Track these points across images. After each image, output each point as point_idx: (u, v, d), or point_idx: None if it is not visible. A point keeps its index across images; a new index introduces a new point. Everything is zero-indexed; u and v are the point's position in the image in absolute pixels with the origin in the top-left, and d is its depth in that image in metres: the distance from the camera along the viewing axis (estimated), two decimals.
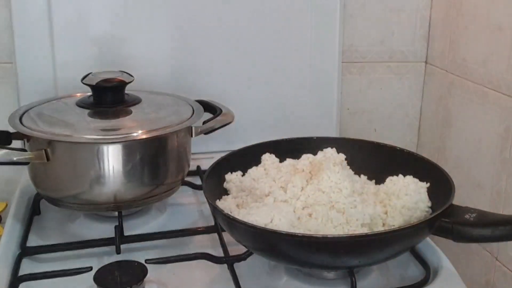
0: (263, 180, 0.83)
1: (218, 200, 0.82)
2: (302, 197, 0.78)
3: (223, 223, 0.76)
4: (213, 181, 0.83)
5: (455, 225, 0.70)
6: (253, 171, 0.86)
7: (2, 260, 0.78)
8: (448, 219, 0.71)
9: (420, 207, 0.78)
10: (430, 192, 0.80)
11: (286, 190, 0.80)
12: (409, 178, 0.82)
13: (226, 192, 0.86)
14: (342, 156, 0.88)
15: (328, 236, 0.70)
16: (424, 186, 0.81)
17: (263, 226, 0.71)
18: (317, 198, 0.77)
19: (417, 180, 0.81)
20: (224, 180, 0.86)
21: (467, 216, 0.71)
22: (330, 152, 0.88)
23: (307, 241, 0.68)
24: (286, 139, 0.93)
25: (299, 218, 0.75)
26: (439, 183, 0.80)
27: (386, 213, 0.78)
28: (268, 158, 0.88)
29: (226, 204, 0.81)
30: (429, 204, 0.79)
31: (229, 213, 0.74)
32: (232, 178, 0.86)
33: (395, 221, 0.76)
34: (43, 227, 0.92)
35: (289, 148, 0.91)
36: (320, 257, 0.70)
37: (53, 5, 1.03)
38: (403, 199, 0.78)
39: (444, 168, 0.81)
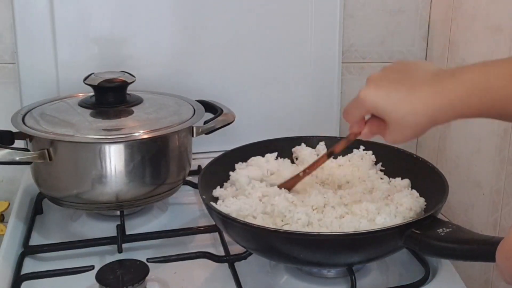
0: (248, 180, 0.84)
1: (219, 187, 0.84)
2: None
3: (207, 210, 0.78)
4: (210, 176, 0.84)
5: (423, 237, 0.67)
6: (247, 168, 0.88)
7: (5, 258, 0.79)
8: (419, 231, 0.68)
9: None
10: (427, 196, 0.79)
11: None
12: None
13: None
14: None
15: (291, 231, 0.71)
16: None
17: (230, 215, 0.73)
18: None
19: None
20: (222, 176, 0.87)
21: (439, 230, 0.67)
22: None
23: (275, 236, 0.69)
24: (287, 137, 0.94)
25: (264, 213, 0.76)
26: (437, 188, 0.78)
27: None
28: (255, 159, 0.89)
29: (224, 192, 0.83)
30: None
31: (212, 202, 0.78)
32: (237, 169, 0.88)
33: None
34: (46, 226, 0.93)
35: (286, 146, 0.92)
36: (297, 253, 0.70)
37: (55, 5, 1.04)
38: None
39: (444, 168, 0.81)
